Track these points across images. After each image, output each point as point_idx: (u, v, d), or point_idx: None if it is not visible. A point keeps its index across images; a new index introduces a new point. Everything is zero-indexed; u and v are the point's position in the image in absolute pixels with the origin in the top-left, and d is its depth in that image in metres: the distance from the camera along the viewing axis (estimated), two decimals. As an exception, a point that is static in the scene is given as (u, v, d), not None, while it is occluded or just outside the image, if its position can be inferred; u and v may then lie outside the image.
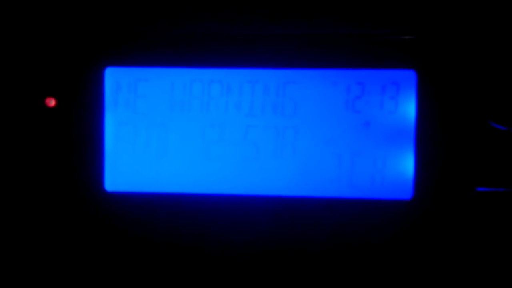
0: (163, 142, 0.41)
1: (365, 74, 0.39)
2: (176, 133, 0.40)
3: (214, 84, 0.40)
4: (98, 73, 0.40)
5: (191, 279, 0.41)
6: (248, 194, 0.40)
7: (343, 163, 0.40)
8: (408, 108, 0.39)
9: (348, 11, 0.39)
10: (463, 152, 0.39)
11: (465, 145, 0.39)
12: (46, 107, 0.40)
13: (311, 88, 0.40)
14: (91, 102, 0.40)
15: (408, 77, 0.39)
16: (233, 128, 0.40)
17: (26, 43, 0.40)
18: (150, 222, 0.41)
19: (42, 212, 0.41)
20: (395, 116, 0.40)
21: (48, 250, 0.41)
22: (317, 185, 0.40)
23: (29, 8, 0.40)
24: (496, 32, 0.39)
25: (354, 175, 0.40)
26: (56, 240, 0.41)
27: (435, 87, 0.39)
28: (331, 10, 0.39)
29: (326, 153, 0.40)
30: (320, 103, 0.40)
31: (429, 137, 0.39)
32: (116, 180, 0.41)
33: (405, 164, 0.40)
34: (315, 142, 0.40)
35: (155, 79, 0.40)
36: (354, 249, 0.40)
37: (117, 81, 0.40)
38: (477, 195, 0.39)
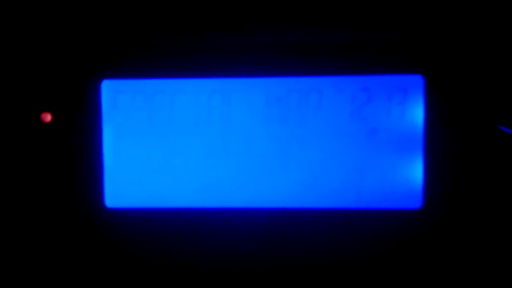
0: (163, 155, 0.39)
1: (371, 80, 0.38)
2: (176, 146, 0.39)
3: (214, 94, 0.39)
4: (94, 86, 0.39)
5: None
6: (252, 207, 0.39)
7: (350, 172, 0.39)
8: (416, 114, 0.38)
9: (353, 17, 0.38)
10: (473, 158, 0.38)
11: (475, 151, 0.38)
12: (42, 122, 0.39)
13: (316, 96, 0.39)
14: (88, 116, 0.39)
15: (415, 82, 0.38)
16: (235, 139, 0.39)
17: (20, 58, 0.39)
18: (152, 238, 0.40)
19: (42, 229, 0.40)
20: (403, 122, 0.38)
21: (49, 266, 0.40)
22: (324, 196, 0.39)
23: (22, 23, 0.39)
24: (504, 36, 0.37)
25: (361, 184, 0.39)
26: (57, 257, 0.40)
27: (443, 92, 0.38)
28: (335, 16, 0.38)
29: (332, 163, 0.39)
30: (325, 111, 0.39)
31: (438, 144, 0.38)
32: (116, 196, 0.40)
33: (414, 172, 0.39)
34: (321, 152, 0.39)
35: (153, 90, 0.39)
36: (364, 260, 0.39)
37: (114, 93, 0.39)
38: (488, 202, 0.38)
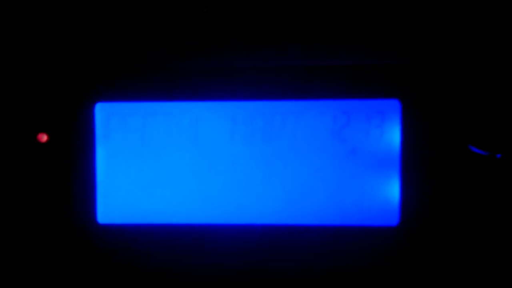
0: (153, 173, 0.41)
1: (351, 104, 0.40)
2: (165, 165, 0.41)
3: (202, 116, 0.41)
4: (88, 109, 0.41)
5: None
6: (238, 223, 0.41)
7: (330, 191, 0.41)
8: (393, 136, 0.40)
9: (334, 43, 0.40)
10: (447, 177, 0.40)
11: (448, 170, 0.40)
12: (38, 142, 0.41)
13: (299, 118, 0.41)
14: (82, 136, 0.41)
15: (392, 106, 0.40)
16: (222, 158, 0.41)
17: (17, 80, 0.41)
18: (143, 254, 0.41)
19: (35, 246, 0.42)
20: (381, 144, 0.40)
21: (42, 282, 0.42)
22: (305, 213, 0.41)
23: (18, 47, 0.41)
24: (476, 61, 0.39)
25: (341, 202, 0.41)
26: (50, 272, 0.42)
27: (418, 115, 0.40)
28: (319, 44, 0.40)
29: (313, 182, 0.41)
30: (308, 132, 0.41)
31: (414, 164, 0.40)
32: (108, 212, 0.41)
33: (391, 191, 0.40)
34: (303, 171, 0.41)
35: (144, 113, 0.41)
36: (342, 276, 0.41)
37: (107, 115, 0.41)
38: (462, 218, 0.40)
